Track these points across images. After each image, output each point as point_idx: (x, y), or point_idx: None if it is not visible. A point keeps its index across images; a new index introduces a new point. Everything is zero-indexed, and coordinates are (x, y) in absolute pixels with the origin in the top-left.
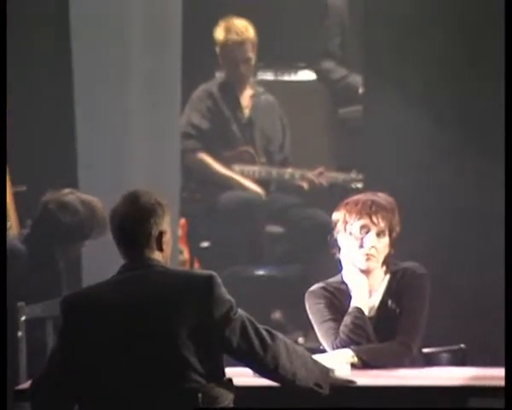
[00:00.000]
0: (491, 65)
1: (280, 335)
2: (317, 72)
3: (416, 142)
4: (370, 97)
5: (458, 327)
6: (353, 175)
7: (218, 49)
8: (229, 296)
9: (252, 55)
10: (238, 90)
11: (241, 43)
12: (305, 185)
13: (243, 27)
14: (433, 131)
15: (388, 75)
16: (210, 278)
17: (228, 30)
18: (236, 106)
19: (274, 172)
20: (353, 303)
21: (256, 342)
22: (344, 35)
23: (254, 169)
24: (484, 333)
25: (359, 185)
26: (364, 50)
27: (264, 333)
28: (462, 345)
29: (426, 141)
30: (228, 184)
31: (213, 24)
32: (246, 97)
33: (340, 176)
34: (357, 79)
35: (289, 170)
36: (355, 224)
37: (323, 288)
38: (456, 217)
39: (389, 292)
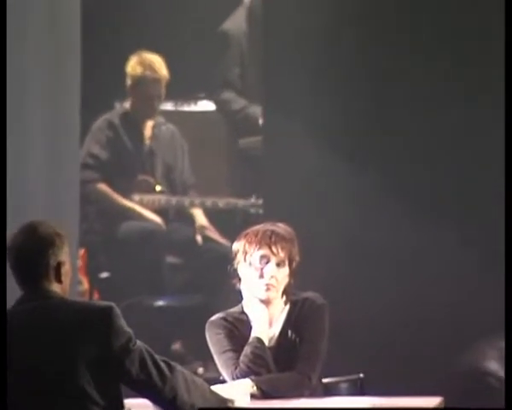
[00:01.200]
0: (392, 96)
1: (178, 366)
2: (216, 102)
3: (314, 170)
4: (270, 128)
5: (357, 356)
6: (253, 200)
7: (129, 82)
8: (127, 328)
9: (164, 91)
10: (140, 120)
11: (156, 80)
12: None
13: (159, 64)
14: (329, 160)
15: (288, 106)
16: (109, 310)
17: (143, 65)
18: (138, 136)
19: (174, 200)
20: (253, 333)
21: (154, 373)
22: (243, 65)
23: (154, 198)
24: (382, 361)
25: (260, 211)
26: (264, 81)
27: (163, 365)
28: (361, 374)
29: (323, 169)
30: (127, 214)
31: (113, 54)
32: (148, 127)
33: (239, 202)
34: (256, 110)
35: (189, 198)
36: (255, 254)
37: (223, 318)
38: (352, 246)
39: (289, 322)
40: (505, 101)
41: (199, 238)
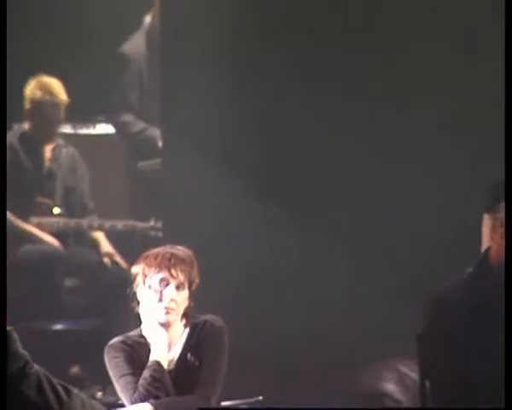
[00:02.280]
0: (292, 114)
1: (76, 390)
2: (115, 125)
3: (213, 193)
4: (169, 150)
5: (256, 379)
6: (152, 223)
7: (28, 106)
8: (24, 352)
9: (63, 114)
10: (40, 142)
11: (55, 105)
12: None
13: (58, 88)
14: (229, 182)
15: (187, 128)
16: (6, 334)
17: (43, 89)
18: (38, 158)
19: (72, 222)
20: (152, 357)
21: (52, 397)
22: (142, 88)
23: (52, 221)
24: (282, 384)
25: (159, 234)
26: (163, 104)
27: (60, 389)
28: (260, 397)
29: (222, 191)
30: (25, 237)
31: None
32: (47, 150)
33: (138, 224)
34: (155, 133)
35: (88, 220)
36: (154, 277)
37: (123, 342)
38: (251, 268)
39: (189, 345)
40: (505, 100)
41: (98, 261)
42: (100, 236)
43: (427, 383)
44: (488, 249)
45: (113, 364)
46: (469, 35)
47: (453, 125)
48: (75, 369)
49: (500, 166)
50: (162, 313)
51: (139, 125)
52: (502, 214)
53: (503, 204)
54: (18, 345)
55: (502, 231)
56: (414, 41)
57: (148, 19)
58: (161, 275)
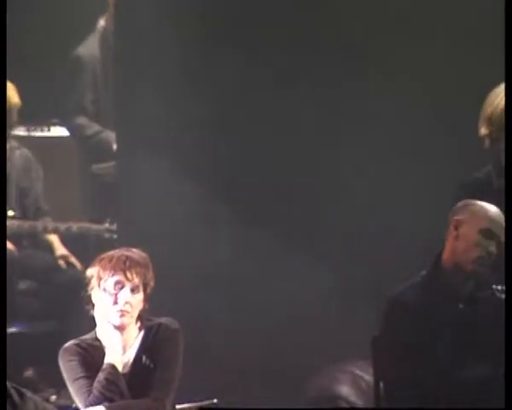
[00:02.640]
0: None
1: (29, 393)
2: (70, 128)
3: (167, 195)
4: (123, 153)
5: (211, 382)
6: (107, 225)
7: None
8: None
9: (16, 117)
10: None
11: (8, 108)
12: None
13: (11, 91)
14: (183, 185)
15: (141, 131)
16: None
17: None
18: None
19: (26, 224)
20: (107, 360)
21: (5, 400)
22: (97, 91)
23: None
24: (237, 387)
25: (114, 236)
26: (117, 106)
27: (13, 391)
28: (215, 400)
29: (177, 194)
30: None
31: None
32: None
33: (93, 226)
34: (110, 135)
35: (42, 223)
36: (109, 280)
37: (77, 345)
38: (206, 270)
39: (143, 348)
40: (506, 100)
41: (52, 263)
42: (54, 238)
43: (382, 385)
44: (442, 251)
45: (68, 367)
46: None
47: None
48: (29, 372)
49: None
50: (117, 315)
51: (93, 127)
52: (456, 216)
53: (460, 205)
54: None
55: (455, 233)
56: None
57: (102, 22)
58: (116, 278)
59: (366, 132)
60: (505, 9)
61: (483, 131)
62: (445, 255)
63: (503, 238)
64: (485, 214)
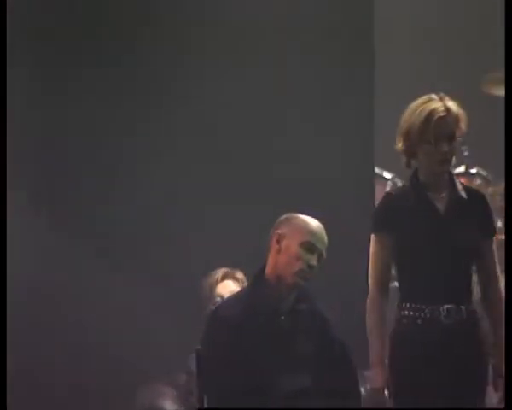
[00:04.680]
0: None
1: None
2: None
3: None
4: None
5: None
6: None
7: None
8: None
9: None
10: None
11: None
12: None
13: None
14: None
15: None
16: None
17: None
18: None
19: None
20: None
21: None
22: None
23: None
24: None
25: None
26: None
27: None
28: None
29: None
30: None
31: None
32: None
33: None
34: None
35: None
36: None
37: None
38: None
39: None
40: (505, 100)
41: None
42: None
43: (206, 399)
44: (264, 265)
45: None
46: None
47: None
48: None
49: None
50: None
51: None
52: (278, 230)
53: (281, 219)
54: None
55: (278, 246)
56: None
57: None
58: None
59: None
60: (505, 9)
61: (400, 146)
62: (268, 269)
63: (323, 251)
64: (305, 228)
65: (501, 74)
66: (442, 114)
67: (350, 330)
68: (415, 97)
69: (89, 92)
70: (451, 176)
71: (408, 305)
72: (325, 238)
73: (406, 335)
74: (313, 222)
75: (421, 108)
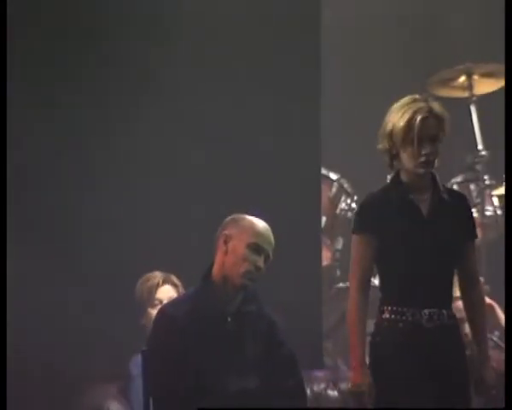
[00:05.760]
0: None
1: None
2: None
3: None
4: None
5: None
6: None
7: None
8: None
9: None
10: None
11: None
12: None
13: None
14: None
15: None
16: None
17: None
18: None
19: None
20: None
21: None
22: None
23: None
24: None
25: None
26: None
27: None
28: None
29: None
30: None
31: None
32: None
33: None
34: None
35: None
36: None
37: None
38: None
39: None
40: (505, 100)
41: None
42: None
43: (151, 401)
44: (212, 265)
45: None
46: None
47: None
48: None
49: None
50: None
51: None
52: (225, 231)
53: (228, 220)
54: None
55: (225, 248)
56: None
57: None
58: None
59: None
60: (505, 9)
61: (383, 146)
62: (215, 269)
63: (270, 253)
64: (252, 229)
65: (447, 75)
66: (425, 115)
67: (297, 330)
68: (362, 99)
69: None
70: (434, 177)
71: (389, 308)
72: (272, 239)
73: (387, 338)
74: (260, 223)
75: (404, 109)
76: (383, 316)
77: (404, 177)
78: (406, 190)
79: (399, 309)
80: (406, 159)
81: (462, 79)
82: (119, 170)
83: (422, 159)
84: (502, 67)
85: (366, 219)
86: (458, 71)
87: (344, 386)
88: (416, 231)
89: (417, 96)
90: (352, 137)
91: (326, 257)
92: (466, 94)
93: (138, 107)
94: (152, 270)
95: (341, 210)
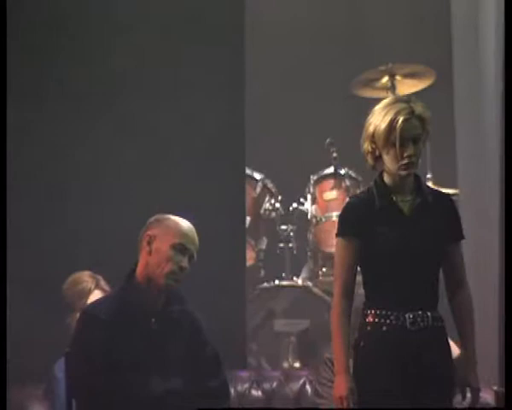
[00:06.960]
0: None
1: None
2: None
3: None
4: None
5: None
6: None
7: None
8: None
9: None
10: None
11: None
12: None
13: None
14: None
15: None
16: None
17: None
18: None
19: None
20: None
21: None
22: None
23: None
24: None
25: None
26: None
27: None
28: None
29: None
30: None
31: None
32: None
33: None
34: None
35: None
36: None
37: None
38: None
39: None
40: (505, 101)
41: None
42: None
43: (74, 402)
44: (136, 265)
45: None
46: None
47: None
48: None
49: None
50: None
51: None
52: (149, 231)
53: (151, 220)
54: None
55: (148, 248)
56: None
57: None
58: None
59: None
60: (505, 9)
61: (365, 148)
62: (138, 270)
63: (194, 253)
64: (176, 229)
65: (369, 75)
66: (407, 117)
67: (221, 331)
68: (287, 98)
69: None
70: (417, 179)
71: (373, 311)
72: (196, 240)
73: (371, 342)
74: (184, 223)
75: (386, 110)
76: (367, 320)
77: (387, 179)
78: (389, 191)
79: (383, 313)
80: (389, 161)
81: (385, 79)
82: (47, 170)
83: (405, 161)
84: (424, 68)
85: (349, 222)
86: (381, 72)
87: (267, 386)
88: (399, 233)
89: (400, 97)
90: (277, 136)
91: (250, 257)
92: (389, 95)
93: (72, 103)
94: (79, 269)
95: (265, 210)
